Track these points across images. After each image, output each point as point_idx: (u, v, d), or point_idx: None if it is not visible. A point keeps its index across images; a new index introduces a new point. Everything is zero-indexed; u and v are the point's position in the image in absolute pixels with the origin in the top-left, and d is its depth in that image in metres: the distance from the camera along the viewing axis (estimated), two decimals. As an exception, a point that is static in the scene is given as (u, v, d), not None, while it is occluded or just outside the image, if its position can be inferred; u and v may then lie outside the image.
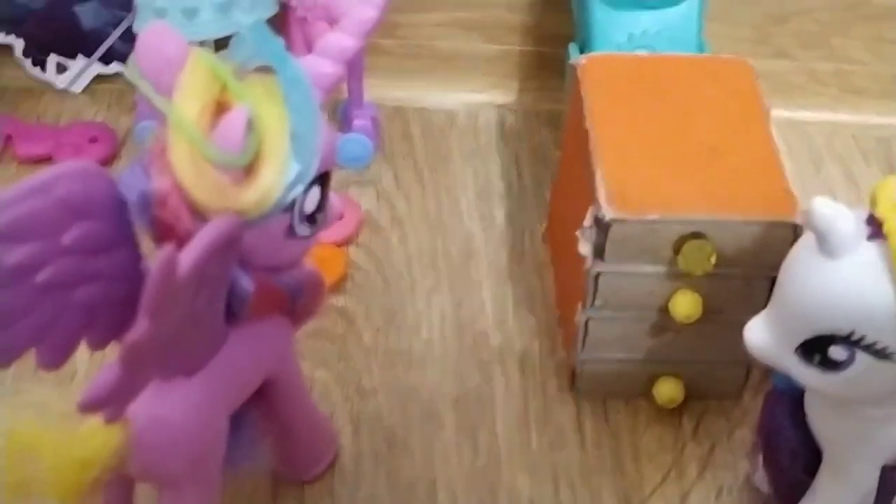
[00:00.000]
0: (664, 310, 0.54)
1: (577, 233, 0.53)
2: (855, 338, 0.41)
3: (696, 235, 0.51)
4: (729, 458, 0.56)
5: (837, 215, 0.41)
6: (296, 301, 0.44)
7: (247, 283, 0.41)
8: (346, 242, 0.65)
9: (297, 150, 0.39)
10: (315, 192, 0.41)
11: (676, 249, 0.52)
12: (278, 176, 0.38)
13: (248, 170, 0.38)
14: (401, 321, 0.62)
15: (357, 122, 0.70)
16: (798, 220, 0.51)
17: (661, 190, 0.52)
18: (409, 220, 0.68)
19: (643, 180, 0.52)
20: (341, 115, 0.71)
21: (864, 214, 0.42)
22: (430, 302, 0.63)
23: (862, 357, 0.42)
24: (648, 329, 0.55)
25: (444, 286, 0.64)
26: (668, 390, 0.57)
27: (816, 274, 0.42)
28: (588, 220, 0.52)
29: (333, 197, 0.43)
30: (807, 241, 0.43)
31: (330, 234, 0.62)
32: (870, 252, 0.41)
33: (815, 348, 0.43)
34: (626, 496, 0.54)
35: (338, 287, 0.62)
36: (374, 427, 0.57)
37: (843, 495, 0.48)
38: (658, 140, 0.54)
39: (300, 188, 0.39)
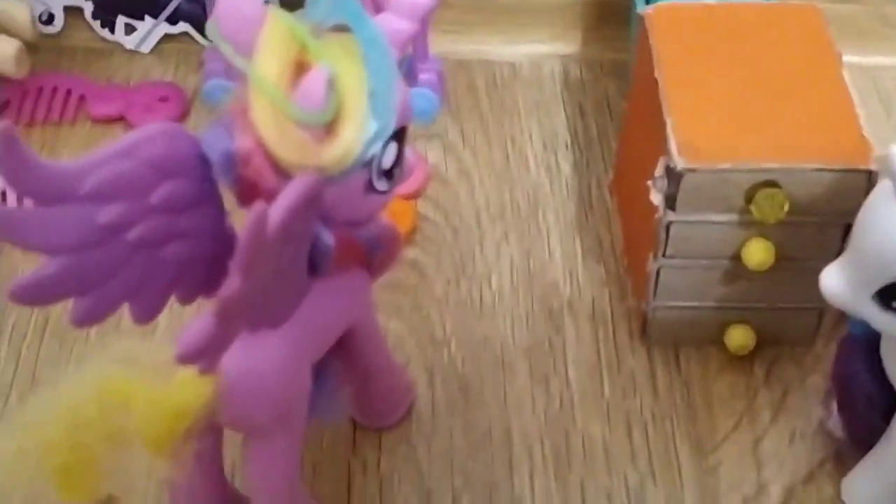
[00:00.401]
0: (736, 258, 0.54)
1: (649, 182, 0.53)
2: (932, 283, 0.41)
3: (769, 184, 0.51)
4: (802, 404, 0.57)
5: (915, 161, 0.41)
6: (374, 254, 0.45)
7: (328, 237, 0.41)
8: (414, 196, 0.66)
9: (376, 107, 0.39)
10: (392, 147, 0.41)
11: (749, 198, 0.52)
12: (358, 133, 0.39)
13: (329, 128, 0.39)
14: (471, 272, 0.63)
15: (423, 77, 0.70)
16: (872, 166, 0.51)
17: (732, 139, 0.52)
18: (475, 172, 0.68)
19: (714, 129, 0.52)
20: (406, 69, 0.71)
21: (942, 160, 0.42)
22: (499, 252, 0.64)
23: (939, 303, 0.42)
24: (720, 277, 0.55)
25: (513, 237, 0.64)
26: (739, 337, 0.57)
27: (893, 220, 0.42)
28: (659, 170, 0.52)
29: (408, 150, 0.44)
30: (884, 187, 0.43)
31: (400, 187, 0.62)
32: (947, 198, 0.41)
33: (892, 294, 0.43)
34: (698, 442, 0.55)
35: (409, 240, 0.63)
36: (447, 376, 0.58)
37: (918, 440, 0.48)
38: (728, 88, 0.54)
39: (379, 144, 0.40)
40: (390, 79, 0.40)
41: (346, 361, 0.49)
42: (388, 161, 0.41)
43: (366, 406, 0.54)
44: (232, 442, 0.48)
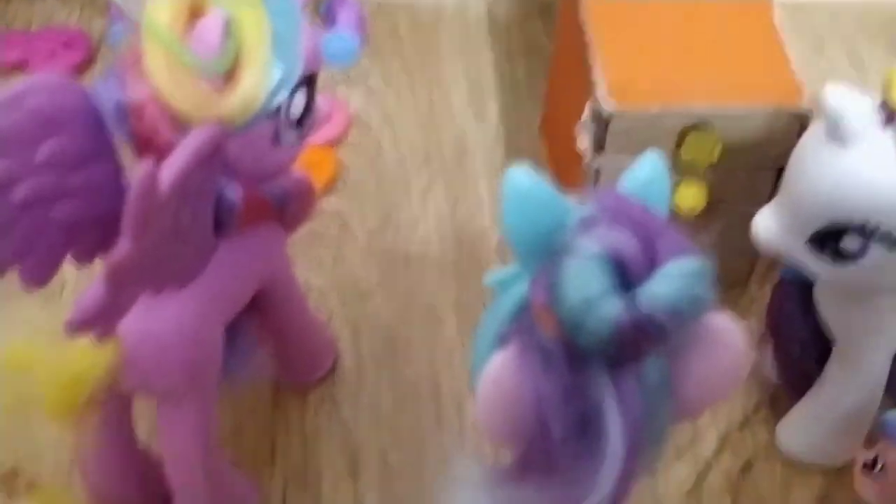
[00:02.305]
0: (665, 207, 0.52)
1: (576, 127, 0.51)
2: (869, 227, 0.40)
3: (699, 127, 0.50)
4: (735, 349, 0.56)
5: (850, 102, 0.39)
6: (285, 209, 0.43)
7: (233, 193, 0.39)
8: (335, 143, 0.63)
9: (279, 52, 0.37)
10: (301, 95, 0.39)
11: (679, 142, 0.50)
12: (260, 80, 0.36)
13: (229, 76, 0.36)
14: (396, 222, 0.60)
15: (342, 19, 0.67)
16: (804, 108, 0.49)
17: (661, 81, 0.50)
18: (399, 118, 0.66)
19: (643, 72, 0.51)
20: (325, 11, 0.68)
21: (877, 101, 0.41)
22: (426, 201, 0.62)
23: (875, 247, 0.41)
24: (650, 223, 0.54)
25: (439, 185, 0.62)
26: (671, 284, 0.56)
27: (828, 163, 0.40)
28: (587, 114, 0.50)
29: (320, 99, 0.41)
30: (817, 129, 0.41)
31: (318, 135, 0.60)
32: (883, 139, 0.40)
33: (827, 239, 0.41)
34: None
35: (329, 189, 0.61)
36: (373, 330, 0.56)
37: (853, 385, 0.47)
38: (657, 31, 0.52)
39: (285, 92, 0.38)
40: (295, 21, 0.37)
41: (263, 319, 0.47)
42: (296, 110, 0.39)
43: (288, 363, 0.52)
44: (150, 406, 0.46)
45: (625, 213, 0.31)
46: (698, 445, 0.52)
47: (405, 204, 0.61)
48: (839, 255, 0.41)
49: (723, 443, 0.53)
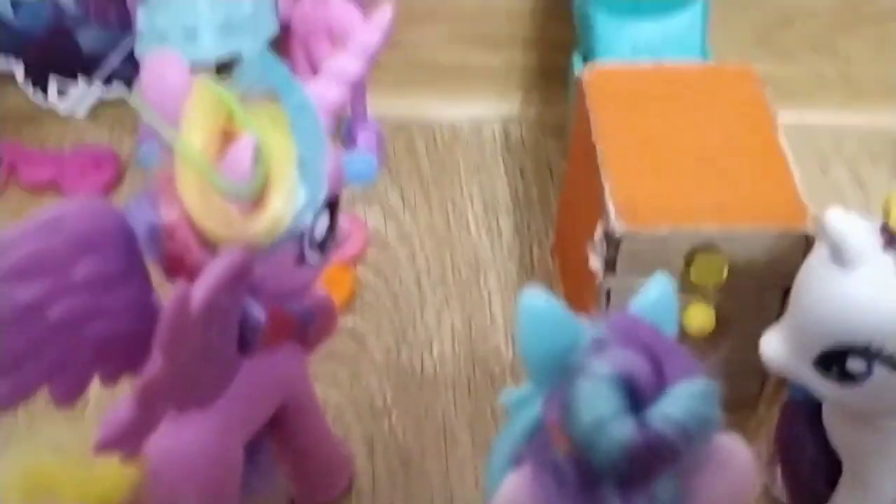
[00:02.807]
0: (676, 327, 0.53)
1: (587, 247, 0.53)
2: (873, 349, 0.41)
3: (708, 248, 0.51)
4: (746, 468, 0.56)
5: (851, 226, 0.41)
6: (308, 327, 0.44)
7: (258, 312, 0.40)
8: (353, 261, 0.65)
9: (305, 177, 0.38)
10: (324, 218, 0.40)
11: (688, 262, 0.51)
12: (287, 204, 0.38)
13: (257, 200, 0.38)
14: (412, 339, 0.61)
15: (361, 140, 0.69)
16: (809, 229, 0.51)
17: (670, 202, 0.52)
18: (416, 235, 0.67)
19: (652, 193, 0.52)
20: (344, 132, 0.71)
21: (878, 224, 0.42)
22: (440, 318, 0.63)
23: (880, 369, 0.41)
24: (661, 342, 0.55)
25: (454, 302, 0.64)
26: (682, 402, 0.56)
27: (831, 285, 0.41)
28: (598, 235, 0.52)
29: (342, 218, 0.43)
30: (821, 252, 0.43)
31: (337, 254, 0.61)
32: (885, 262, 0.41)
33: (832, 360, 0.42)
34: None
35: (347, 307, 0.62)
36: (388, 447, 0.56)
37: (864, 506, 0.48)
38: (665, 151, 0.54)
39: (310, 215, 0.39)
40: (320, 146, 0.39)
41: (281, 437, 0.48)
42: (319, 232, 0.40)
43: (304, 482, 0.52)
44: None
45: (635, 335, 0.32)
46: (712, 565, 0.52)
47: (420, 321, 0.62)
48: (845, 377, 0.42)
49: (736, 563, 0.52)
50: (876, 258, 0.41)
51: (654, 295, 0.35)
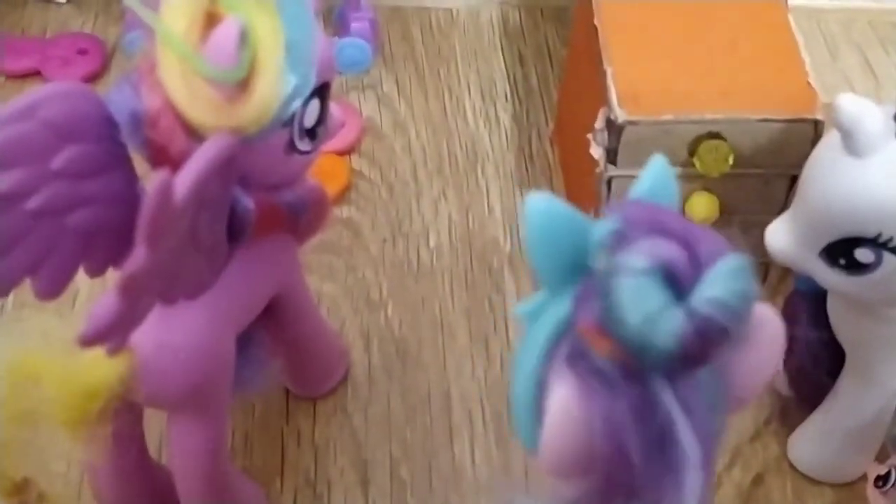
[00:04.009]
0: (680, 212, 0.52)
1: (589, 136, 0.51)
2: (882, 239, 0.40)
3: (713, 135, 0.49)
4: (747, 360, 0.55)
5: (864, 113, 0.39)
6: (299, 218, 0.43)
7: (247, 202, 0.39)
8: (347, 151, 0.63)
9: (293, 61, 0.37)
10: (314, 104, 0.39)
11: (692, 150, 0.50)
12: (275, 90, 0.36)
13: (243, 85, 0.36)
14: (408, 230, 0.60)
15: (354, 25, 0.67)
16: (819, 116, 0.49)
17: (674, 89, 0.50)
18: (411, 125, 0.66)
19: (656, 79, 0.50)
20: (337, 18, 0.68)
21: (892, 110, 0.41)
22: (437, 209, 0.61)
23: (889, 259, 0.40)
24: (663, 232, 0.54)
25: (451, 192, 0.62)
26: (683, 294, 0.55)
27: (842, 174, 0.40)
28: (599, 123, 0.50)
29: (333, 106, 0.41)
30: (831, 140, 0.41)
31: (331, 143, 0.59)
32: (898, 150, 0.39)
33: (840, 251, 0.41)
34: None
35: (341, 198, 0.61)
36: (384, 340, 0.56)
37: (866, 398, 0.47)
38: (671, 37, 0.52)
39: (298, 102, 0.37)
40: (308, 30, 0.37)
41: (275, 330, 0.47)
42: (310, 119, 0.39)
43: (298, 374, 0.51)
44: (161, 417, 0.46)
45: (658, 222, 0.31)
46: (710, 457, 0.52)
47: (417, 213, 0.61)
48: (852, 267, 0.41)
49: (734, 456, 0.52)
50: (889, 146, 0.40)
51: (652, 178, 0.33)
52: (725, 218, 0.52)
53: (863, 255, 0.41)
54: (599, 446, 0.30)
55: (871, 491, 0.47)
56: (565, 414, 0.30)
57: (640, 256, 0.29)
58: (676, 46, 0.52)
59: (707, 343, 0.29)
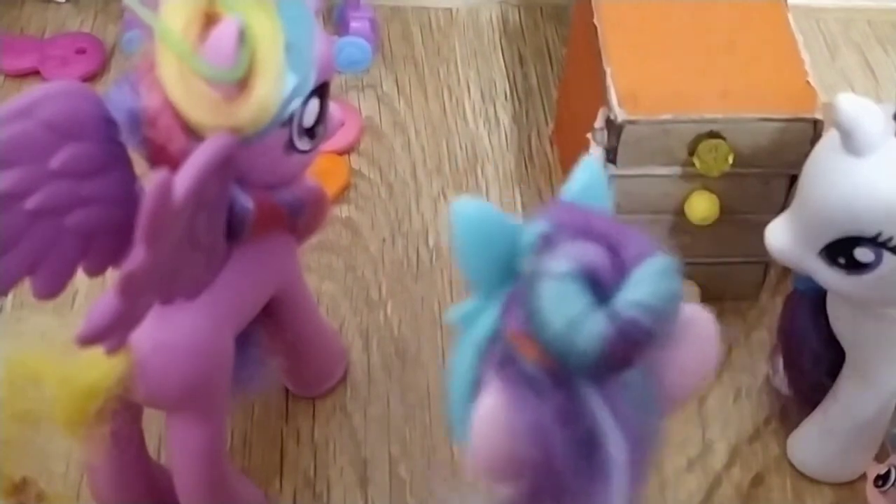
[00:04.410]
0: (679, 212, 0.52)
1: (588, 135, 0.51)
2: (882, 239, 0.40)
3: (712, 135, 0.49)
4: (747, 360, 0.55)
5: (864, 112, 0.39)
6: (298, 217, 0.43)
7: (246, 201, 0.39)
8: (347, 150, 0.63)
9: (293, 60, 0.37)
10: (314, 104, 0.39)
11: (692, 150, 0.50)
12: (274, 89, 0.36)
13: (242, 84, 0.36)
14: (407, 230, 0.60)
15: (354, 25, 0.67)
16: (818, 115, 0.49)
17: (674, 88, 0.50)
18: (411, 124, 0.65)
19: (655, 79, 0.50)
20: (337, 17, 0.68)
21: (891, 109, 0.40)
22: (437, 209, 0.61)
23: (889, 258, 0.40)
24: (663, 232, 0.53)
25: (450, 192, 0.62)
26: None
27: (841, 173, 0.40)
28: (599, 122, 0.50)
29: (333, 105, 0.41)
30: (830, 139, 0.41)
31: (330, 142, 0.59)
32: (898, 149, 0.39)
33: (840, 250, 0.41)
34: (642, 402, 0.54)
35: (341, 197, 0.61)
36: (384, 339, 0.56)
37: (866, 398, 0.47)
38: (670, 36, 0.52)
39: (298, 101, 0.37)
40: (308, 29, 0.37)
41: (274, 329, 0.47)
42: (309, 118, 0.39)
43: (298, 374, 0.51)
44: (160, 417, 0.45)
45: (583, 224, 0.30)
46: (709, 458, 0.52)
47: (416, 212, 0.61)
48: (852, 267, 0.41)
49: (733, 455, 0.52)
50: (888, 145, 0.40)
51: (583, 180, 0.33)
52: (726, 217, 0.52)
53: (862, 254, 0.41)
54: (526, 453, 0.30)
55: (870, 490, 0.47)
56: (492, 421, 0.30)
57: (563, 260, 0.29)
58: (676, 46, 0.52)
59: (631, 346, 0.28)
